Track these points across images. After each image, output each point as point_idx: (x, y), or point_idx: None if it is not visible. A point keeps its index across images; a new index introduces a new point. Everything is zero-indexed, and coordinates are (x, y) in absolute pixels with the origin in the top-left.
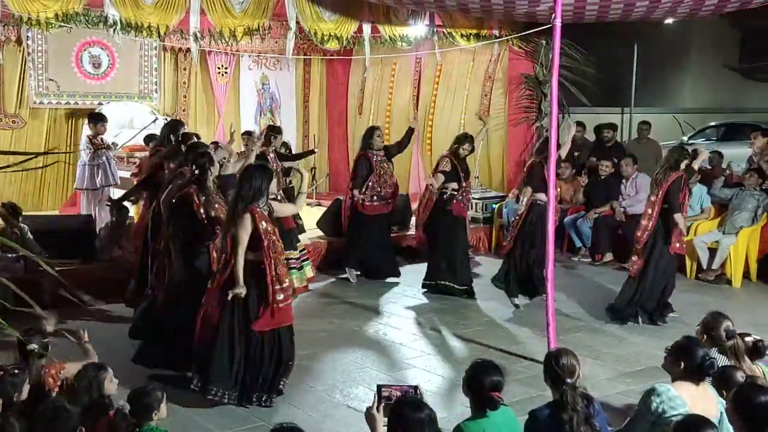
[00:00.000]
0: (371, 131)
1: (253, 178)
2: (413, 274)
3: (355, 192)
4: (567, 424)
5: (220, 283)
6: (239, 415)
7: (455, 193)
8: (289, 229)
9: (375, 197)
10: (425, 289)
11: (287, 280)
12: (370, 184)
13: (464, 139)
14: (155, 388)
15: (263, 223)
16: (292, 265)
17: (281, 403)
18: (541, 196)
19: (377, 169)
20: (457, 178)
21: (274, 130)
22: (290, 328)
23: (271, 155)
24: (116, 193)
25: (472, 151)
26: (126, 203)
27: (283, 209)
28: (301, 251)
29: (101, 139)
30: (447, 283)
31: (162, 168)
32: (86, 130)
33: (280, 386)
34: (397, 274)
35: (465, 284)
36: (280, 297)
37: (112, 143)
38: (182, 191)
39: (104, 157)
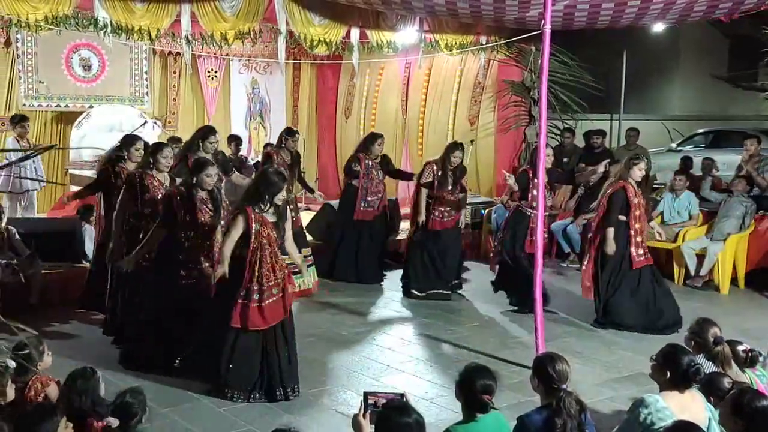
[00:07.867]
0: (373, 138)
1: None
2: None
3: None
4: (559, 430)
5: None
6: (225, 418)
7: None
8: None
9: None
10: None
11: (274, 282)
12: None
13: (453, 147)
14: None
15: (256, 224)
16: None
17: (268, 407)
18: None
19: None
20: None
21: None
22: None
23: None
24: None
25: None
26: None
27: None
28: (305, 256)
29: (27, 140)
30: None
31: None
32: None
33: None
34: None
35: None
36: (256, 297)
37: (34, 145)
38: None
39: (30, 160)
